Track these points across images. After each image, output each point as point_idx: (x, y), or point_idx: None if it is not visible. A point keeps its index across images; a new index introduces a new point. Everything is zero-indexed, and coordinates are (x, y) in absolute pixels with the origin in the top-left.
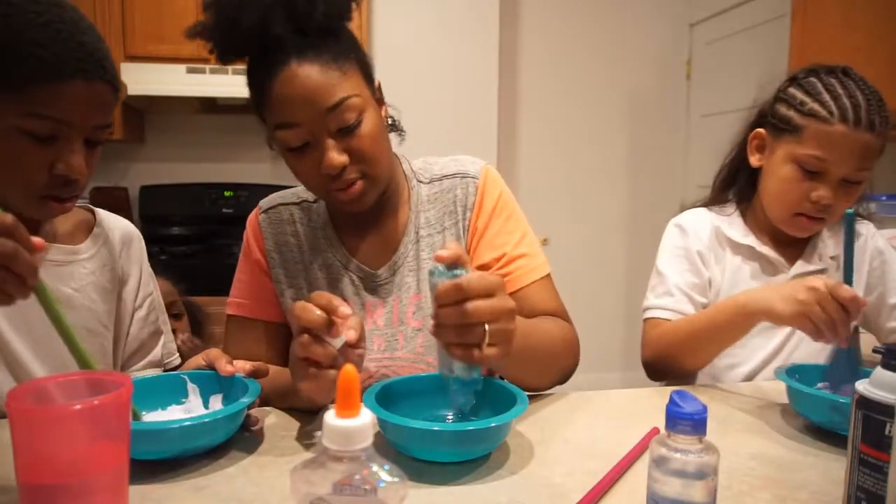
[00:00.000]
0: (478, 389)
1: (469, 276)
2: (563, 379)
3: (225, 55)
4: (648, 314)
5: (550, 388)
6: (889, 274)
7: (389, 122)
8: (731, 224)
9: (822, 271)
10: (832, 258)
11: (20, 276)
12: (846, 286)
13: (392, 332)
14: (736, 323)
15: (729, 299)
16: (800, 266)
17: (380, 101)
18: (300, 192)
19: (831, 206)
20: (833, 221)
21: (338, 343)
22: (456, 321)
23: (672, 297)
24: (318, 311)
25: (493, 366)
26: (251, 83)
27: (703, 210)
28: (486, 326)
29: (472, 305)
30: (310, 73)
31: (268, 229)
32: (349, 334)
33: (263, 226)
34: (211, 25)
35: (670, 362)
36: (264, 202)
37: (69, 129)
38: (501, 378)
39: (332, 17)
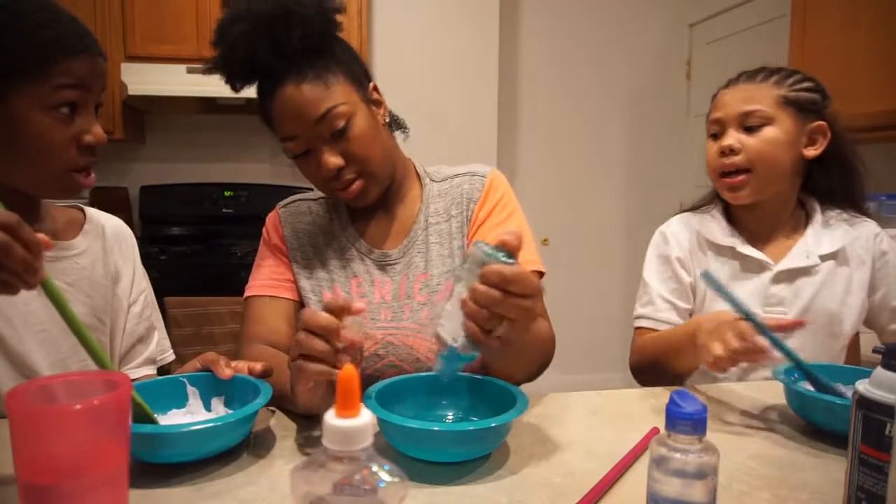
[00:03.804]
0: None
1: (518, 270)
2: (537, 375)
3: (232, 84)
4: (635, 323)
5: (526, 381)
6: (892, 276)
7: (389, 120)
8: (715, 226)
9: (811, 269)
10: (822, 257)
11: (16, 272)
12: (745, 325)
13: (399, 304)
14: (691, 353)
15: (689, 326)
16: (786, 262)
17: (376, 102)
18: (316, 193)
19: (742, 154)
20: (757, 170)
21: (350, 321)
22: (488, 304)
23: (653, 306)
24: (325, 314)
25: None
26: (258, 105)
27: (687, 215)
28: (506, 321)
29: (512, 300)
30: (294, 93)
31: (287, 220)
32: (357, 305)
33: (283, 217)
34: (217, 61)
35: (651, 371)
36: (283, 201)
37: (90, 96)
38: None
39: (312, 39)
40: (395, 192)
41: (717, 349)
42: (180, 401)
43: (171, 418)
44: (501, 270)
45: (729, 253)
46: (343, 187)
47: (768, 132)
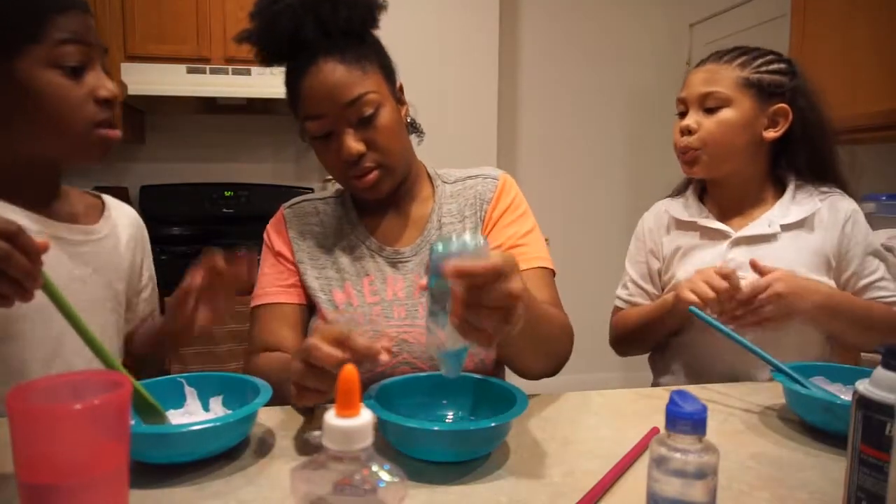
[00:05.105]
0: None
1: (503, 257)
2: (558, 366)
3: (266, 58)
4: (614, 303)
5: (546, 374)
6: (860, 259)
7: (409, 122)
8: (683, 206)
9: (772, 236)
10: (785, 226)
11: (17, 280)
12: (734, 272)
13: (413, 302)
14: (662, 314)
15: (667, 294)
16: (745, 230)
17: (400, 101)
18: (323, 193)
19: (697, 134)
20: (708, 150)
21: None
22: (498, 303)
23: (626, 290)
24: (330, 349)
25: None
26: (287, 82)
27: (665, 200)
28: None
29: (513, 287)
30: (333, 71)
31: (292, 220)
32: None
33: (288, 218)
34: (253, 33)
35: (632, 342)
36: (288, 202)
37: (92, 52)
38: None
39: (355, 23)
40: (407, 192)
41: (700, 287)
42: (178, 401)
43: (169, 418)
44: (489, 265)
45: (690, 226)
46: (360, 175)
47: (724, 114)
